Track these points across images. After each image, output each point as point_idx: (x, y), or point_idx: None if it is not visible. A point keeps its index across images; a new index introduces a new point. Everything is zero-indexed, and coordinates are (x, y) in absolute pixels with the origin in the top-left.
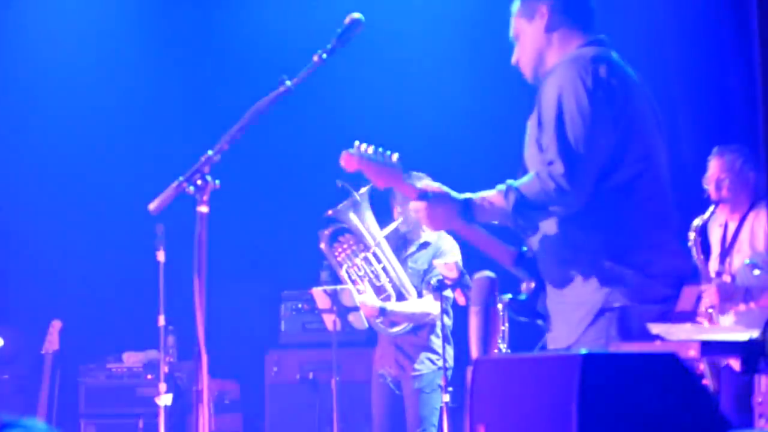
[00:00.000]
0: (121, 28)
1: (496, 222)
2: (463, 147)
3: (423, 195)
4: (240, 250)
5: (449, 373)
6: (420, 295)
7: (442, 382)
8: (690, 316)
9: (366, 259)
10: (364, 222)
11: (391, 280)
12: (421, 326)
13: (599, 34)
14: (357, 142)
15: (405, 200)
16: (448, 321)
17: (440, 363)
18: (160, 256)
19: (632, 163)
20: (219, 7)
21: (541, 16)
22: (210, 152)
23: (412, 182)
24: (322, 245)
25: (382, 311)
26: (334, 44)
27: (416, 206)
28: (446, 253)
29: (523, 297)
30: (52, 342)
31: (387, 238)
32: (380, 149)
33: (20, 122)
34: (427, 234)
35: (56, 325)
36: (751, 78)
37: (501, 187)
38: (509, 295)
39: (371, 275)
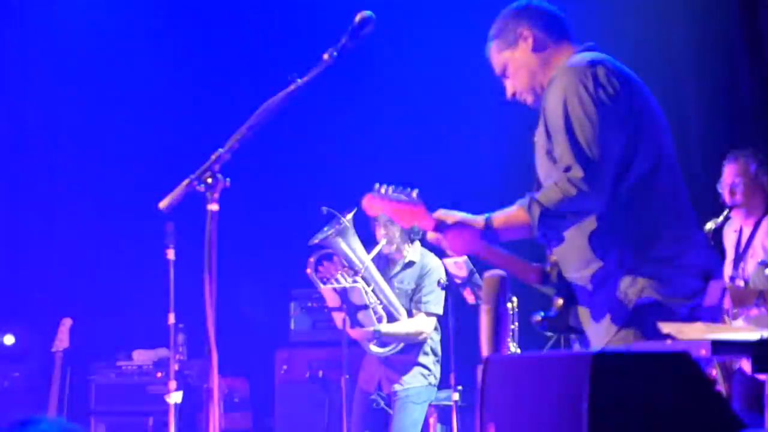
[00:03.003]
0: (132, 26)
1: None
2: (465, 158)
3: (439, 227)
4: (250, 248)
5: (435, 392)
6: (410, 314)
7: (430, 399)
8: (718, 311)
9: (355, 282)
10: (351, 246)
11: (380, 302)
12: (411, 345)
13: (588, 42)
14: (377, 185)
15: (387, 221)
16: (437, 337)
17: (431, 379)
18: (170, 254)
19: (646, 158)
20: (230, 5)
21: (524, 38)
22: (220, 150)
23: (431, 216)
24: (309, 271)
25: (377, 333)
26: (345, 42)
27: (435, 237)
28: (433, 271)
29: (553, 314)
30: (62, 340)
31: (372, 260)
32: (400, 187)
33: (32, 121)
34: (411, 253)
35: (66, 323)
36: (764, 82)
37: (522, 201)
38: (542, 314)
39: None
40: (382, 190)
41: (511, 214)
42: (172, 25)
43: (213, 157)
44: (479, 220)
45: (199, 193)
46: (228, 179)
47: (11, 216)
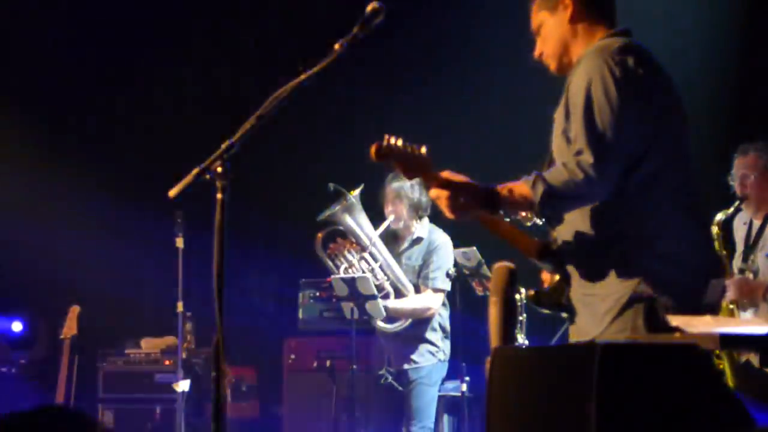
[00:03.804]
0: (147, 15)
1: (522, 214)
2: (488, 139)
3: (445, 184)
4: (259, 237)
5: (446, 367)
6: (417, 290)
7: (441, 375)
8: (715, 309)
9: (363, 259)
10: (358, 223)
11: (388, 278)
12: (419, 321)
13: (624, 27)
14: (386, 135)
15: (395, 198)
16: (445, 313)
17: (440, 356)
18: (179, 242)
19: (660, 153)
20: None
21: (564, 7)
22: (230, 140)
23: (437, 174)
24: (317, 249)
25: (385, 309)
26: (356, 33)
27: (436, 194)
28: (440, 246)
29: (546, 289)
30: (70, 327)
31: (380, 236)
32: (408, 142)
33: (43, 110)
34: (419, 229)
35: (75, 310)
36: None
37: (528, 178)
38: (532, 291)
39: (369, 274)
40: (391, 141)
41: (515, 187)
42: (186, 17)
43: (223, 146)
44: (484, 187)
45: (209, 182)
46: (237, 169)
47: (20, 203)
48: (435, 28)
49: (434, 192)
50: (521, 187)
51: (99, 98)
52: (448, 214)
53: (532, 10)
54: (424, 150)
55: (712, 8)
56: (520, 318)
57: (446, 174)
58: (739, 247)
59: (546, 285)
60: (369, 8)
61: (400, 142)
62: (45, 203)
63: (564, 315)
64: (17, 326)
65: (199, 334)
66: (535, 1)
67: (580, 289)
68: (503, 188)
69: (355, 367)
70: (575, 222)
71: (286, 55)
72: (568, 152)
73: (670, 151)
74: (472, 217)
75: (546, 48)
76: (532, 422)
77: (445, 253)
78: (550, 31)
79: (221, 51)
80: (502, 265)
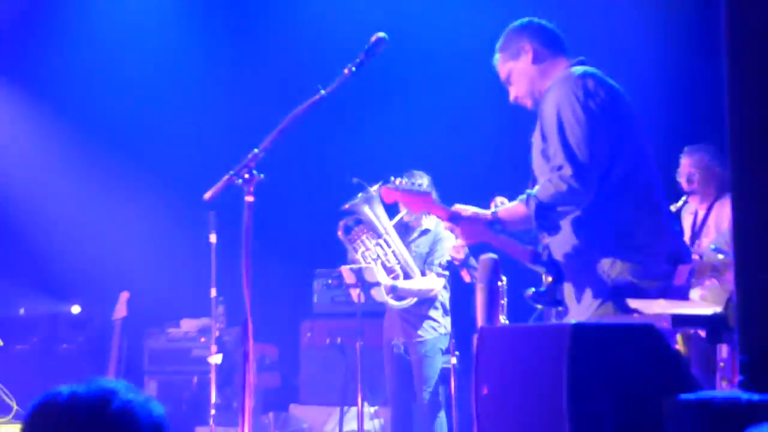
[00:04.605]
0: (183, 35)
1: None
2: (478, 152)
3: (454, 217)
4: (280, 233)
5: (448, 339)
6: (423, 273)
7: (443, 346)
8: (686, 290)
9: (378, 245)
10: (376, 214)
11: (399, 262)
12: (423, 300)
13: (579, 57)
14: (392, 178)
15: None
16: (446, 294)
17: (441, 330)
18: (212, 238)
19: (627, 159)
20: (266, 22)
21: (525, 52)
22: (256, 150)
23: (442, 204)
24: (340, 233)
25: (393, 288)
26: (362, 59)
27: (450, 227)
28: (444, 238)
29: (543, 289)
30: (120, 310)
31: (394, 226)
32: (412, 179)
33: (94, 116)
34: (427, 222)
35: (124, 295)
36: (718, 82)
37: (522, 197)
38: (533, 289)
39: (383, 258)
40: (397, 182)
41: (513, 208)
42: (220, 38)
43: (249, 155)
44: (488, 213)
45: (238, 186)
46: (262, 174)
47: (78, 203)
48: (446, 35)
49: (447, 225)
50: (517, 206)
51: (151, 113)
52: (463, 240)
53: (497, 64)
54: (426, 183)
55: (667, 14)
56: (502, 302)
57: (456, 208)
58: (687, 233)
59: (543, 285)
60: (373, 38)
61: (405, 183)
62: (101, 205)
63: (559, 309)
64: (76, 309)
65: (229, 315)
66: (498, 57)
67: (571, 283)
68: (503, 212)
69: (361, 344)
70: (564, 228)
71: (306, 76)
72: (549, 168)
73: (635, 156)
74: (481, 240)
75: (519, 90)
76: (513, 390)
77: (448, 244)
78: (519, 75)
79: (250, 72)
80: (488, 256)
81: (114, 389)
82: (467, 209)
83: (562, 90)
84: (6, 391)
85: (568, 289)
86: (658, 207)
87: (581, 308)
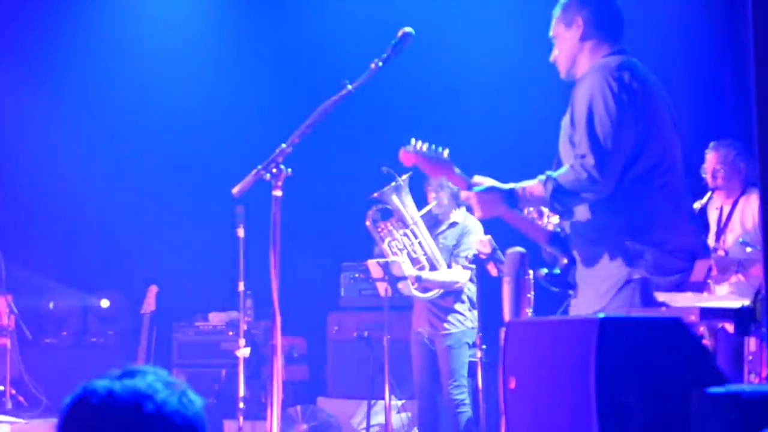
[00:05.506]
0: (215, 31)
1: (531, 209)
2: (505, 141)
3: (473, 186)
4: (307, 227)
5: (474, 333)
6: (449, 266)
7: (469, 340)
8: (702, 286)
9: (405, 235)
10: (404, 203)
11: (425, 253)
12: (449, 292)
13: (623, 45)
14: (413, 140)
15: (438, 186)
16: (473, 287)
17: (467, 323)
18: (240, 232)
19: (650, 156)
20: (294, 17)
21: (577, 26)
22: (283, 145)
23: (461, 174)
24: (367, 222)
25: (418, 279)
26: (389, 54)
27: (467, 195)
28: (472, 231)
29: (557, 271)
30: (149, 304)
31: (422, 218)
32: (433, 146)
33: (127, 112)
34: (455, 215)
35: (153, 289)
36: (745, 76)
37: (541, 177)
38: (545, 270)
39: (409, 248)
40: (418, 146)
41: (530, 187)
42: (252, 40)
43: (277, 150)
44: (504, 187)
45: (266, 181)
46: (290, 169)
47: (108, 198)
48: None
49: (464, 194)
50: (535, 186)
51: (181, 109)
52: (477, 212)
53: (553, 19)
54: (446, 153)
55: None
56: (529, 295)
57: (476, 178)
58: (712, 229)
59: (557, 267)
60: (400, 33)
61: (425, 147)
62: (131, 200)
63: (571, 292)
64: (105, 303)
65: (257, 309)
66: (556, 12)
67: (583, 271)
68: (520, 187)
69: (388, 337)
70: (579, 215)
71: (334, 71)
72: (573, 155)
73: (659, 155)
74: (496, 213)
75: (559, 55)
76: (540, 383)
77: (476, 237)
78: (563, 43)
79: (279, 68)
80: (515, 250)
81: (149, 391)
82: (486, 180)
83: (597, 79)
84: (35, 386)
85: (581, 279)
86: (677, 204)
87: (593, 300)
